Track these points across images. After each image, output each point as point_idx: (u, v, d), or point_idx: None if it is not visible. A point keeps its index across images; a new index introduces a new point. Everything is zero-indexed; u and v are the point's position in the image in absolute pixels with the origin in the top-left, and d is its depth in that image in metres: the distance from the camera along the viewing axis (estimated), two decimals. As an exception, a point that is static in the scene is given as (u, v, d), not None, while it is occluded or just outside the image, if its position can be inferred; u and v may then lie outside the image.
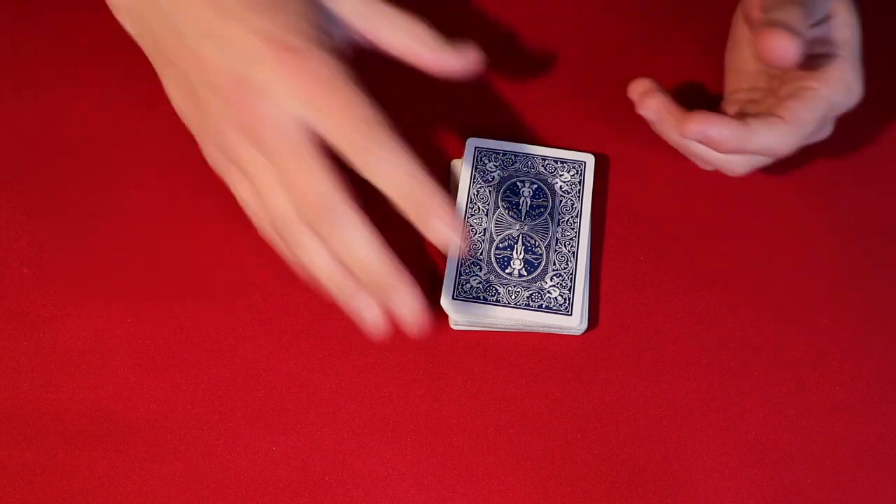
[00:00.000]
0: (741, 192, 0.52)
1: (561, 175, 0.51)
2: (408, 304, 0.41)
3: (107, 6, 0.56)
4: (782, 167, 0.50)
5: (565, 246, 0.49)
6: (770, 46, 0.43)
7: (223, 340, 0.50)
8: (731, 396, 0.48)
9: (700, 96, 0.55)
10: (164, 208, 0.52)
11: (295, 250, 0.43)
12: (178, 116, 0.55)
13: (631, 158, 0.53)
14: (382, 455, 0.47)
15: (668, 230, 0.52)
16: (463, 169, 0.52)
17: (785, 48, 0.43)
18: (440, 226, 0.40)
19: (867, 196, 0.52)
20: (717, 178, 0.52)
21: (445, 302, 0.48)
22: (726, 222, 0.52)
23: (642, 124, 0.51)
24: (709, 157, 0.49)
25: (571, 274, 0.49)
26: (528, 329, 0.49)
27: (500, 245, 0.50)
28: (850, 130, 0.53)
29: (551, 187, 0.51)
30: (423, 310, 0.42)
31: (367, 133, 0.40)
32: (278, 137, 0.41)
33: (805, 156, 0.52)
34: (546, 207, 0.51)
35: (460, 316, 0.48)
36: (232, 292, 0.50)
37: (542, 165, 0.52)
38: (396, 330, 0.50)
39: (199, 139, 0.46)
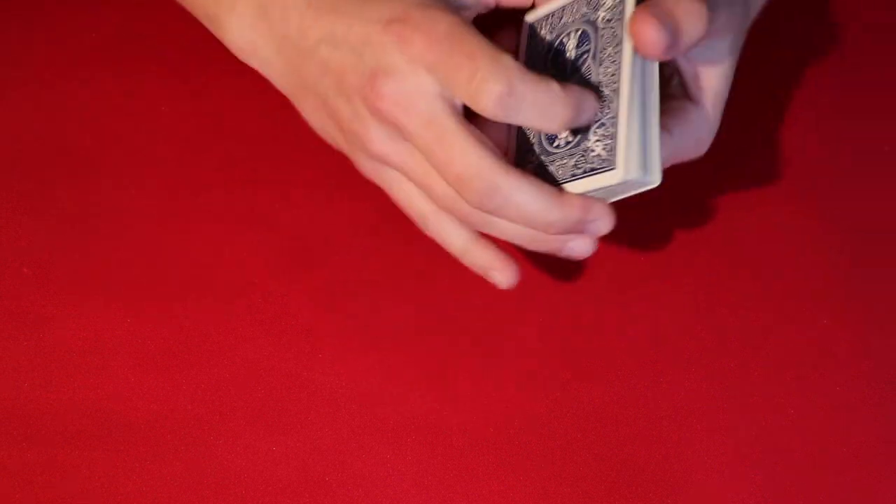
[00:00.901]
0: (741, 191, 0.52)
1: (603, 4, 0.41)
2: (605, 227, 0.41)
3: (106, 5, 0.56)
4: (782, 167, 0.50)
5: (607, 87, 0.40)
6: (642, 33, 0.37)
7: (223, 340, 0.50)
8: (731, 396, 0.48)
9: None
10: (164, 208, 0.52)
11: (484, 228, 0.42)
12: (177, 116, 0.55)
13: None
14: (382, 455, 0.47)
15: (668, 230, 0.52)
16: (519, 53, 0.44)
17: (655, 42, 0.37)
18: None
19: (867, 196, 0.52)
20: (717, 177, 0.52)
21: None
22: (726, 222, 0.52)
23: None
24: None
25: (614, 117, 0.39)
26: (606, 199, 0.41)
27: None
28: (851, 131, 0.53)
29: (594, 24, 0.41)
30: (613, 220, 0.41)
31: (495, 79, 0.37)
32: (416, 117, 0.39)
33: (805, 156, 0.52)
34: (589, 51, 0.41)
35: None
36: (232, 292, 0.50)
37: (586, 4, 0.42)
38: (393, 329, 0.50)
39: (350, 156, 0.45)
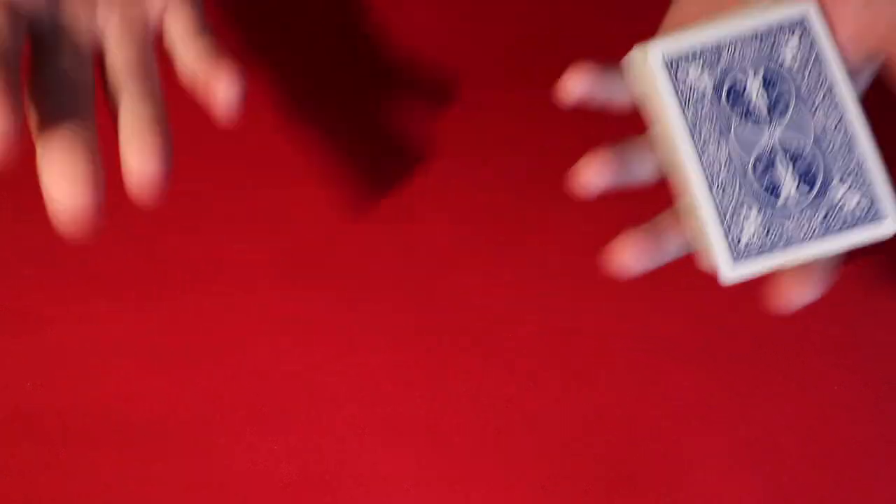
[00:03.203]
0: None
1: (787, 45, 0.38)
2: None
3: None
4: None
5: (839, 132, 0.38)
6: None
7: (223, 340, 0.50)
8: (731, 396, 0.48)
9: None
10: (165, 208, 0.52)
11: None
12: (177, 116, 0.55)
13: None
14: (382, 455, 0.47)
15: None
16: (660, 97, 0.39)
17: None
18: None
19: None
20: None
21: (728, 272, 0.38)
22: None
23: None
24: None
25: (860, 164, 0.38)
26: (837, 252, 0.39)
27: (758, 169, 0.38)
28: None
29: (781, 65, 0.39)
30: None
31: None
32: None
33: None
34: (789, 93, 0.38)
35: (749, 275, 0.38)
36: (232, 292, 0.50)
37: (756, 44, 0.39)
38: (393, 329, 0.50)
39: None
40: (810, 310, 0.50)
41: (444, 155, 0.54)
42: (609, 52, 0.56)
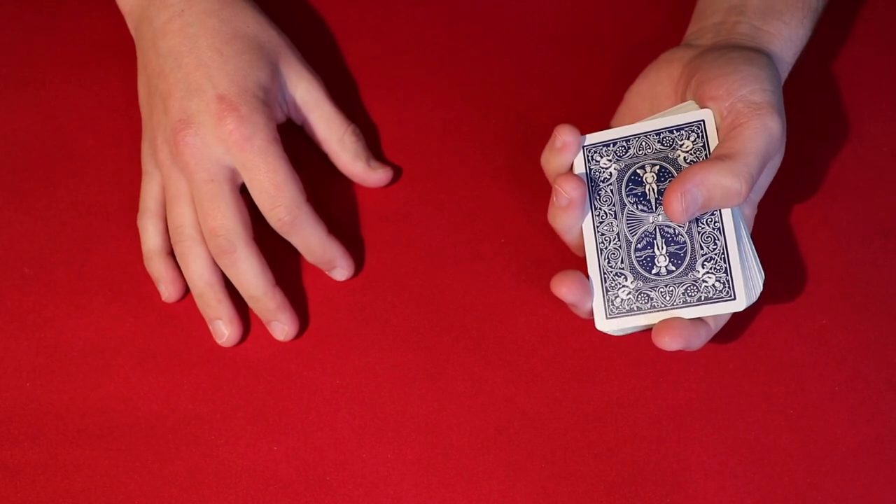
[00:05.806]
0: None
1: (681, 145, 0.45)
2: (284, 331, 0.49)
3: (106, 5, 0.56)
4: (781, 167, 0.49)
5: (707, 224, 0.44)
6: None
7: (223, 340, 0.50)
8: (731, 396, 0.48)
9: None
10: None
11: (180, 258, 0.50)
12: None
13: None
14: (382, 455, 0.47)
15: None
16: (575, 171, 0.47)
17: (678, 214, 0.42)
18: (342, 272, 0.51)
19: (867, 196, 0.52)
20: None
21: (602, 325, 0.45)
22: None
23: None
24: None
25: (723, 252, 0.44)
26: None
27: (639, 246, 0.45)
28: (850, 129, 0.53)
29: (674, 162, 0.45)
30: (295, 333, 0.50)
31: (277, 195, 0.48)
32: (197, 167, 0.48)
33: (804, 156, 0.52)
34: None
35: (620, 331, 0.46)
36: (232, 291, 0.50)
37: (659, 141, 0.46)
38: (393, 329, 0.50)
39: (143, 130, 0.52)
40: (810, 310, 0.50)
41: (443, 154, 0.54)
42: (609, 50, 0.56)
